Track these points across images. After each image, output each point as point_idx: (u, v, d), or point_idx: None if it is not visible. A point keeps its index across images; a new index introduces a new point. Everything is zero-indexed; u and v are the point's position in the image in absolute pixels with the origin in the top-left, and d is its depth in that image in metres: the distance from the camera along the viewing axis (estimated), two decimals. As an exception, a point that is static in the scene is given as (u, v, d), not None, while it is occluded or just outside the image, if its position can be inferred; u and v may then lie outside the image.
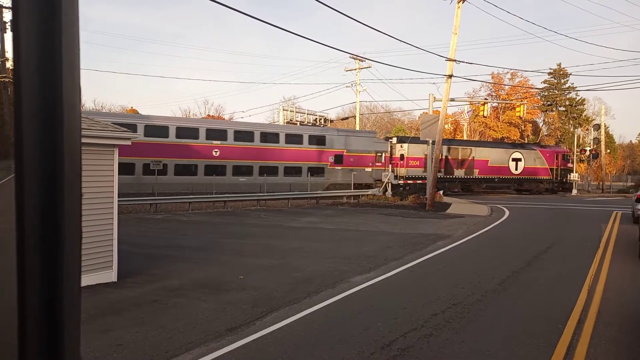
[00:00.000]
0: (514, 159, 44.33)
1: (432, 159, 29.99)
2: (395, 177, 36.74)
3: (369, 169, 35.30)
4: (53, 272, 0.62)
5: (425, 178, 34.09)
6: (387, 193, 35.57)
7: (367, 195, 35.32)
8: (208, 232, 17.98)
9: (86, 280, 9.42)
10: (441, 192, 35.15)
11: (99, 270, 9.83)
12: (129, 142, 10.66)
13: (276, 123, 45.79)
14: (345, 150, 34.35)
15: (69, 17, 0.65)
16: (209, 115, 53.97)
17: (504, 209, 28.96)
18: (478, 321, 7.75)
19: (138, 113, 41.05)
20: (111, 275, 10.12)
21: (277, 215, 24.83)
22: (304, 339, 6.88)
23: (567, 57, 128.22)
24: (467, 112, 62.70)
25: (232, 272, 11.16)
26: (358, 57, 43.24)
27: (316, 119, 46.90)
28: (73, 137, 0.63)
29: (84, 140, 9.35)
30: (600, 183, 55.26)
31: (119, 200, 10.78)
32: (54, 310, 0.63)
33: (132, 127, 23.41)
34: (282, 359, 6.25)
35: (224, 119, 54.52)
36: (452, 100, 32.21)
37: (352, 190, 33.71)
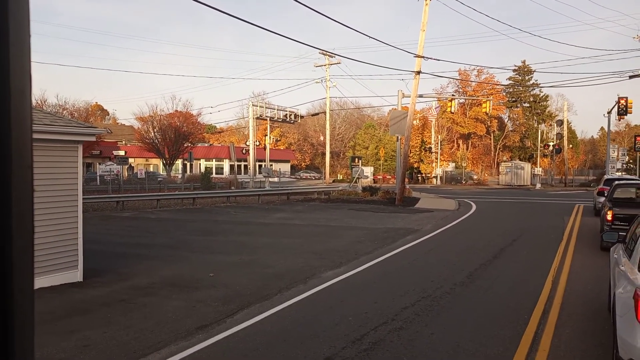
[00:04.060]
0: None
1: (401, 154, 30.29)
2: None
3: None
4: (1, 272, 0.57)
5: None
6: (357, 188, 35.78)
7: (338, 190, 35.44)
8: (177, 230, 17.71)
9: (50, 280, 9.15)
10: (408, 187, 35.50)
11: (63, 270, 9.57)
12: (93, 138, 10.40)
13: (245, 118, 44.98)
14: None
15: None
16: (176, 110, 52.92)
17: (472, 203, 29.50)
18: (447, 313, 7.87)
19: (102, 108, 39.92)
20: (77, 275, 9.86)
21: (247, 211, 24.66)
22: (275, 335, 6.85)
23: (532, 55, 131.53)
24: (435, 109, 63.68)
25: (203, 269, 11.02)
26: (327, 53, 43.26)
27: (286, 114, 46.74)
28: (22, 126, 0.58)
29: (46, 136, 9.06)
30: (563, 177, 56.86)
31: (83, 198, 10.49)
32: (3, 313, 0.58)
33: None
34: (253, 355, 6.20)
35: (192, 114, 53.57)
36: (421, 96, 32.55)
37: (324, 186, 33.72)
